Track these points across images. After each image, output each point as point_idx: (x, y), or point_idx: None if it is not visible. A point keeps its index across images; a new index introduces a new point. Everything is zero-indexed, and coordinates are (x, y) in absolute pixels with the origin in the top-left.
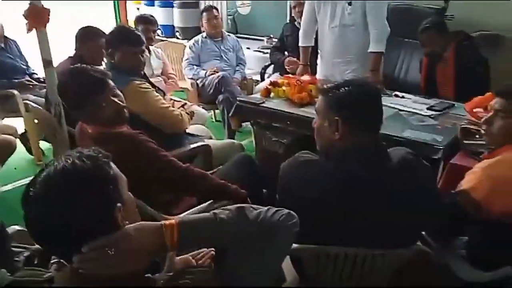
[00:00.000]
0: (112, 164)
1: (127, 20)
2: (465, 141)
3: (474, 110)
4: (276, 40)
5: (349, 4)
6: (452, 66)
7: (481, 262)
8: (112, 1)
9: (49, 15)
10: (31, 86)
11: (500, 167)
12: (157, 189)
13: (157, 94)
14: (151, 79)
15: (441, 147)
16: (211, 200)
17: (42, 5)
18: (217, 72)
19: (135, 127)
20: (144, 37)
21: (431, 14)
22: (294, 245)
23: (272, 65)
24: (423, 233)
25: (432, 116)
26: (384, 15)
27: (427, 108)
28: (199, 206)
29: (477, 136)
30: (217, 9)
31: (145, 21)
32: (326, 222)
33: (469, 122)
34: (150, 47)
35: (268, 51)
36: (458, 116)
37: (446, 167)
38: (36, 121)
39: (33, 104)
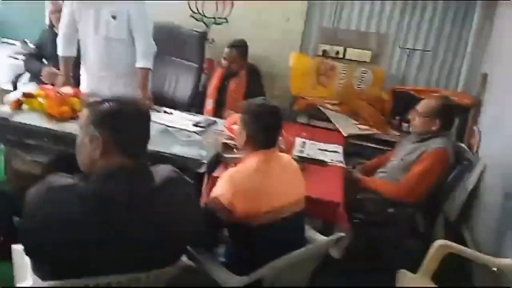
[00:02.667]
0: None
1: None
2: (225, 155)
3: (232, 126)
4: (32, 46)
5: (114, 18)
6: (244, 84)
7: (236, 266)
8: None
9: None
10: None
11: (239, 173)
12: None
13: None
14: None
15: (205, 162)
16: None
17: None
18: None
19: None
20: None
21: (195, 36)
22: (50, 283)
23: (27, 74)
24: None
25: (197, 132)
26: (150, 33)
27: (193, 125)
28: None
29: (235, 150)
30: None
31: None
32: (82, 253)
33: (229, 137)
34: None
35: (23, 57)
36: (220, 132)
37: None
38: None
39: None
